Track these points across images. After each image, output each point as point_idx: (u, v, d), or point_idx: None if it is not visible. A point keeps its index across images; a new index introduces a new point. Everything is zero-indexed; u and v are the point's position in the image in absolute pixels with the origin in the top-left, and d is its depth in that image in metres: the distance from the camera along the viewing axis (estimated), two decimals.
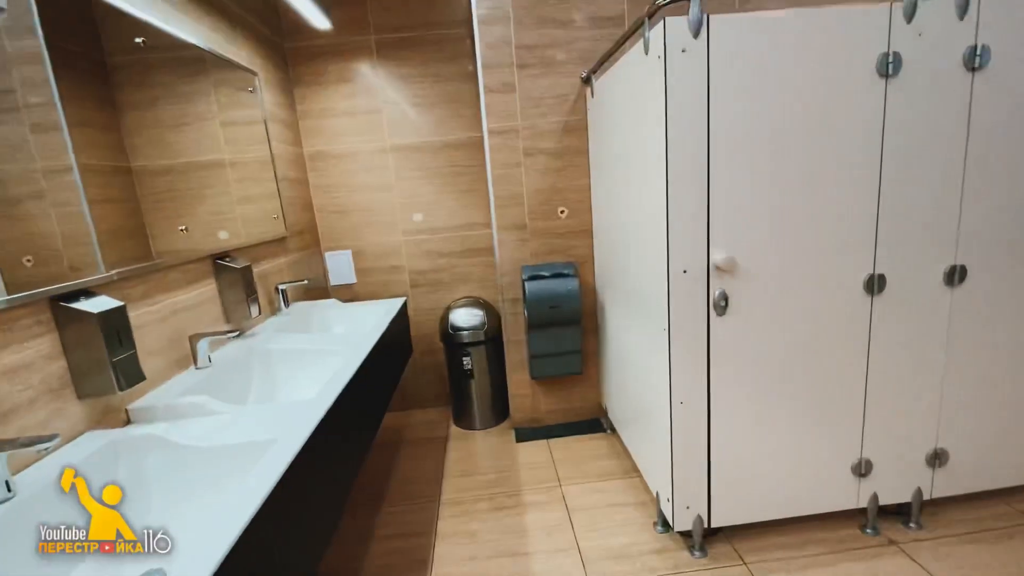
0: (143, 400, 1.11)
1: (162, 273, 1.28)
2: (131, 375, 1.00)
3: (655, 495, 1.63)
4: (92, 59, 1.23)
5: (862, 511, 1.55)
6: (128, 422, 1.07)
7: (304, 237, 2.30)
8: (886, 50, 1.24)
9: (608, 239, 1.94)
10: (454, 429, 2.46)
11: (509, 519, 1.74)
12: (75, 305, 0.94)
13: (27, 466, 0.83)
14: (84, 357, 0.96)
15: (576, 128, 2.05)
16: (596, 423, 2.34)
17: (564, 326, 2.10)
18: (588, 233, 2.15)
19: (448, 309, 2.43)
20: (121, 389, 0.98)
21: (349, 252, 2.50)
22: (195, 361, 1.29)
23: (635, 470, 1.94)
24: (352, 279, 2.53)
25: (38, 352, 0.89)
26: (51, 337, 0.92)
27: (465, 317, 2.36)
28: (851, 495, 1.51)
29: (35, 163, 0.98)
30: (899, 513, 1.60)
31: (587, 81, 1.98)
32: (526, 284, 2.05)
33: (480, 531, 1.69)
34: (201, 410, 1.06)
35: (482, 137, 2.27)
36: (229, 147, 1.84)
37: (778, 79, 1.24)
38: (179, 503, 0.90)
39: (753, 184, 1.29)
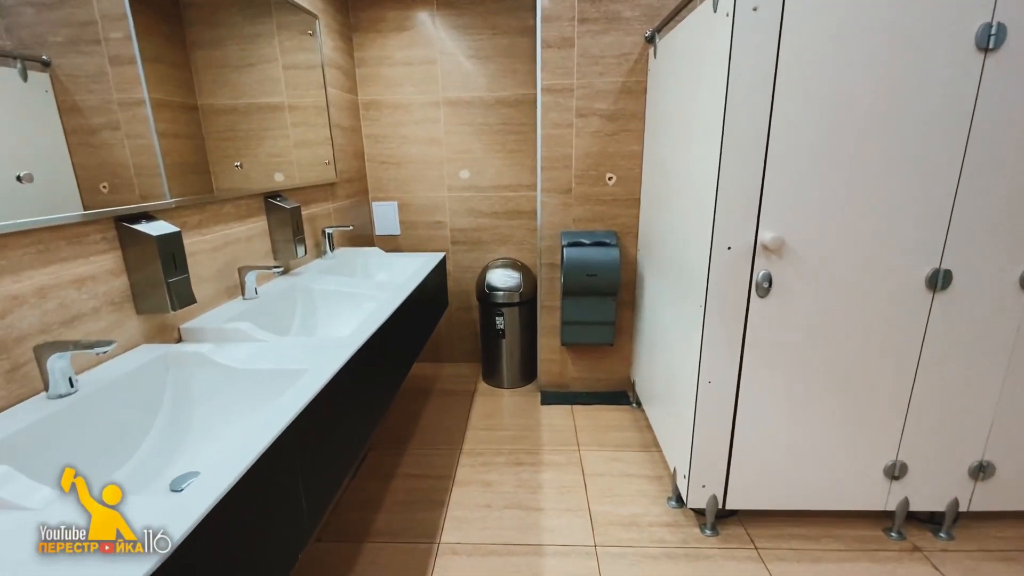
0: (194, 321, 1.19)
1: (217, 205, 1.35)
2: (183, 296, 1.08)
3: (672, 471, 1.63)
4: None
5: (889, 514, 1.50)
6: (179, 340, 1.16)
7: (353, 185, 2.36)
8: (989, 19, 1.11)
9: (654, 209, 1.88)
10: (482, 385, 2.52)
11: (525, 475, 1.79)
12: (136, 227, 1.01)
13: (88, 368, 0.92)
14: (143, 276, 1.03)
15: (634, 90, 1.96)
16: (622, 396, 2.34)
17: (600, 296, 2.08)
18: (635, 203, 2.09)
19: (486, 269, 2.45)
20: (174, 309, 1.05)
21: (395, 203, 2.55)
22: (242, 292, 1.37)
23: (655, 446, 1.94)
24: (396, 230, 2.58)
25: (103, 267, 0.97)
26: (115, 255, 1.00)
27: (502, 278, 2.38)
28: (880, 496, 1.45)
29: (112, 95, 1.04)
30: (930, 521, 1.53)
31: (650, 40, 1.87)
32: (565, 250, 2.03)
33: (496, 482, 1.75)
34: (244, 336, 1.13)
35: (535, 95, 2.22)
36: (288, 91, 1.88)
37: (858, 48, 1.13)
38: (217, 414, 0.98)
39: (815, 161, 1.20)
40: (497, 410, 2.27)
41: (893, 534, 1.49)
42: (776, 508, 1.49)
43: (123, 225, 1.00)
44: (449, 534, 1.52)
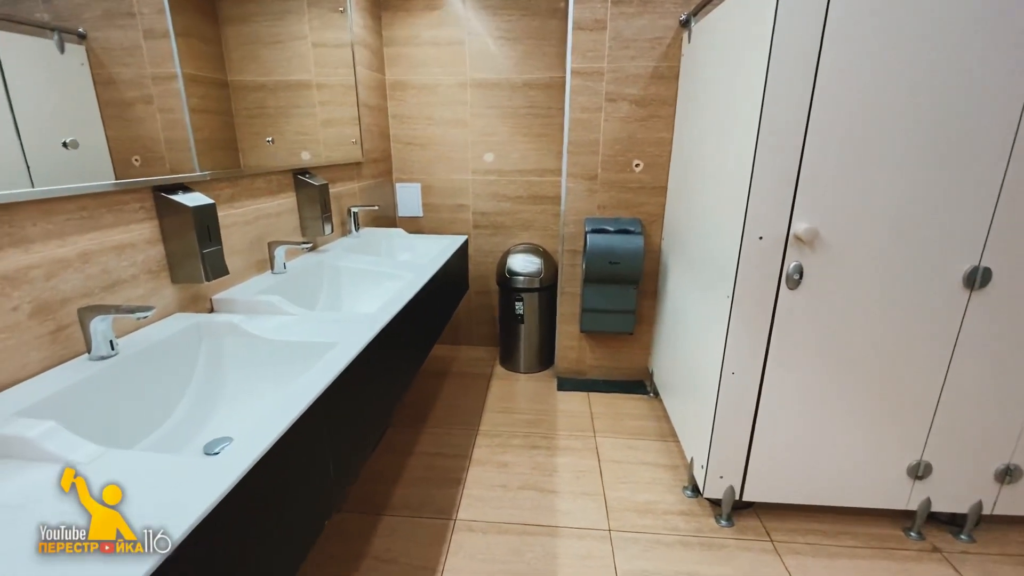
0: (225, 293, 1.22)
1: (249, 180, 1.36)
2: (217, 268, 1.10)
3: (689, 461, 1.63)
4: None
5: (909, 514, 1.48)
6: (211, 310, 1.19)
7: (378, 165, 2.36)
8: None
9: (683, 197, 1.85)
10: (499, 369, 2.54)
11: (541, 458, 1.81)
12: (173, 197, 1.03)
13: (127, 333, 0.95)
14: (178, 246, 1.05)
15: (666, 76, 1.92)
16: (639, 385, 2.33)
17: (622, 284, 2.06)
18: (661, 191, 2.06)
19: (507, 253, 2.45)
20: (207, 279, 1.08)
21: (419, 185, 2.55)
22: (272, 266, 1.39)
23: (672, 436, 1.93)
24: (419, 212, 2.59)
25: (141, 235, 0.99)
26: (152, 224, 1.02)
27: (522, 263, 2.37)
28: (902, 496, 1.43)
29: (146, 68, 1.05)
30: (951, 523, 1.51)
31: (685, 24, 1.83)
32: (588, 237, 2.02)
33: (512, 463, 1.77)
34: (273, 308, 1.16)
35: (563, 78, 2.19)
36: (317, 69, 1.89)
37: (906, 33, 1.09)
38: (247, 383, 1.00)
39: (855, 151, 1.17)
40: (513, 394, 2.29)
41: (913, 534, 1.47)
42: (794, 502, 1.48)
43: (161, 195, 1.02)
44: (465, 511, 1.54)
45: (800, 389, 1.36)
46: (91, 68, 0.91)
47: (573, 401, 2.21)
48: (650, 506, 1.57)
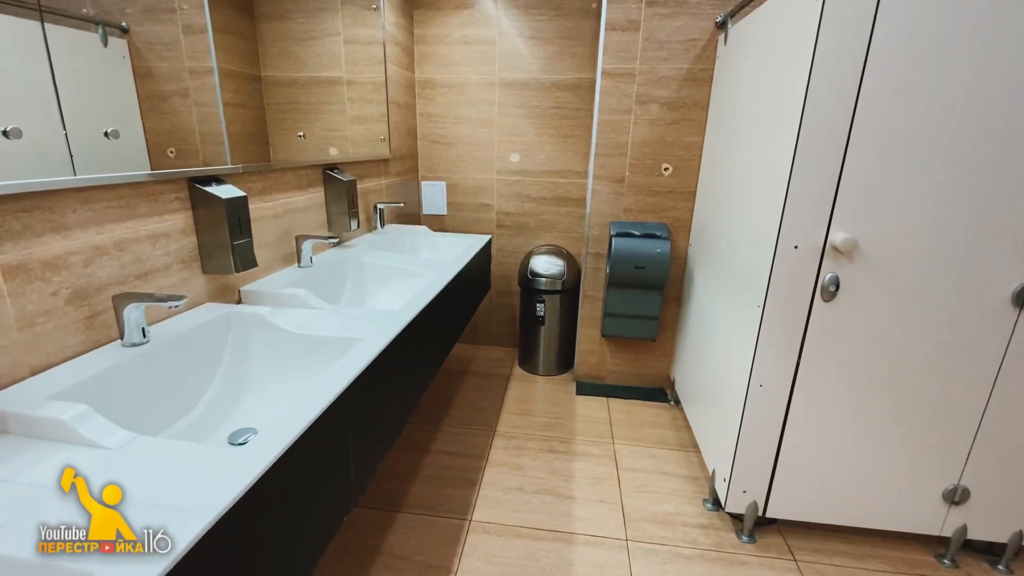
0: (253, 285, 1.23)
1: (279, 173, 1.38)
2: (246, 260, 1.11)
3: (710, 473, 1.59)
4: None
5: (943, 540, 1.41)
6: (239, 301, 1.20)
7: (405, 163, 2.37)
8: None
9: (713, 202, 1.81)
10: (517, 370, 2.53)
11: (558, 462, 1.79)
12: (208, 188, 1.04)
13: (158, 321, 0.96)
14: (210, 237, 1.07)
15: (699, 78, 1.88)
16: (660, 392, 2.29)
17: (646, 289, 2.03)
18: (690, 196, 2.02)
19: (530, 254, 2.43)
20: (237, 271, 1.09)
21: (444, 184, 2.55)
22: (298, 259, 1.41)
23: (693, 446, 1.89)
24: (443, 211, 2.60)
25: (175, 225, 1.01)
26: (186, 215, 1.04)
27: (545, 265, 2.36)
28: (936, 521, 1.37)
29: (184, 62, 1.07)
30: (988, 552, 1.44)
31: (722, 26, 1.79)
32: (613, 240, 1.99)
33: (529, 466, 1.76)
34: (299, 302, 1.16)
35: (593, 79, 2.17)
36: (348, 66, 1.90)
37: (959, 38, 1.04)
38: (272, 375, 1.01)
39: (900, 160, 1.12)
40: (532, 396, 2.27)
41: (946, 561, 1.41)
42: (820, 521, 1.43)
43: (195, 186, 1.04)
44: (481, 512, 1.53)
45: (832, 404, 1.31)
46: (132, 61, 0.93)
47: (592, 406, 2.19)
48: (669, 517, 1.54)
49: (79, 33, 0.83)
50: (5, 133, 0.70)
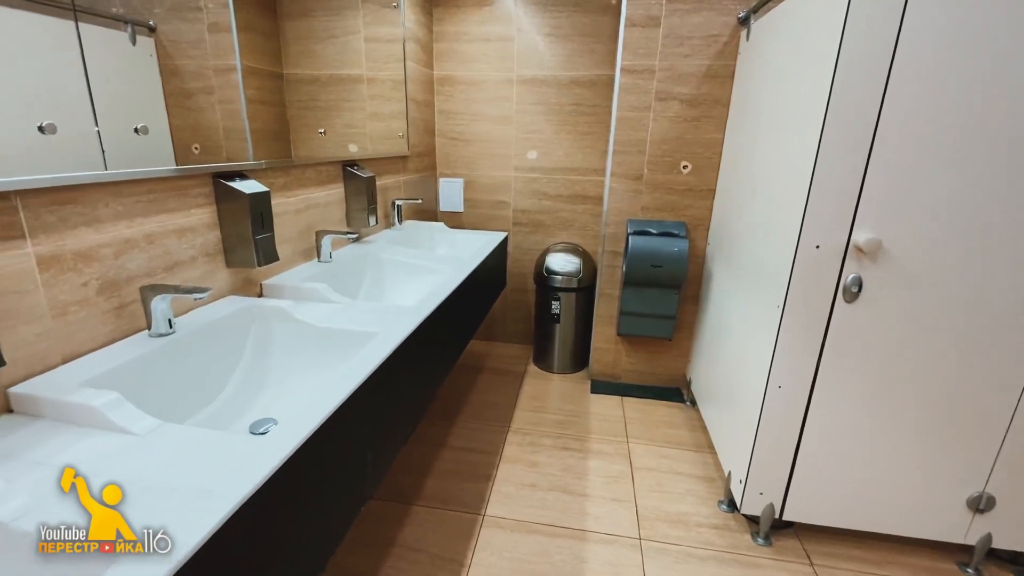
0: (275, 279, 1.25)
1: (300, 170, 1.40)
2: (268, 254, 1.13)
3: (726, 474, 1.58)
4: None
5: (967, 548, 1.38)
6: (260, 295, 1.23)
7: (423, 160, 2.39)
8: None
9: (733, 200, 1.79)
10: (532, 368, 2.53)
11: (572, 459, 1.79)
12: (232, 184, 1.06)
13: (184, 312, 0.99)
14: (233, 231, 1.09)
15: (720, 75, 1.86)
16: (675, 392, 2.27)
17: (663, 288, 2.01)
18: (709, 194, 2.00)
19: (546, 252, 2.43)
20: (259, 265, 1.11)
21: (461, 181, 2.57)
22: (318, 254, 1.43)
23: (709, 447, 1.87)
24: (460, 208, 2.61)
25: (200, 220, 1.03)
26: (211, 209, 1.06)
27: (561, 262, 2.35)
28: (959, 529, 1.34)
29: (208, 60, 1.09)
30: (1014, 562, 1.40)
31: (744, 21, 1.76)
32: (630, 238, 1.98)
33: (542, 463, 1.76)
34: (319, 296, 1.18)
35: (612, 76, 2.15)
36: (368, 63, 1.92)
37: (995, 30, 1.01)
38: (292, 367, 1.03)
39: (928, 158, 1.10)
40: (546, 393, 2.28)
41: (969, 570, 1.37)
42: (838, 526, 1.41)
43: (220, 182, 1.06)
44: (494, 507, 1.54)
45: (852, 406, 1.29)
46: (158, 59, 0.96)
47: (606, 404, 2.18)
48: (683, 517, 1.53)
49: (109, 32, 0.86)
50: (41, 128, 0.73)
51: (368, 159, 1.81)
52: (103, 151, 0.83)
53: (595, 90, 2.30)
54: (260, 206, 1.10)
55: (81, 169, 0.79)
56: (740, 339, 1.58)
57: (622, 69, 1.92)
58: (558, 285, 2.34)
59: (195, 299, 0.88)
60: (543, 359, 2.53)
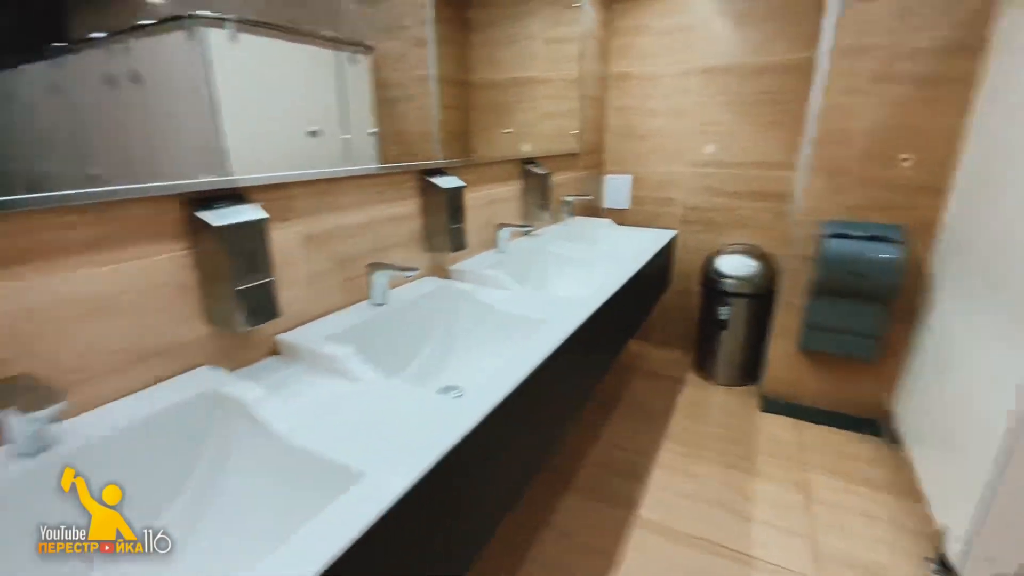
0: (459, 264, 1.39)
1: (486, 167, 1.53)
2: (459, 242, 1.27)
3: (939, 529, 1.30)
4: None
5: None
6: (446, 278, 1.37)
7: (593, 156, 2.42)
8: None
9: (982, 201, 1.46)
10: (691, 375, 2.39)
11: (736, 478, 1.65)
12: (434, 179, 1.21)
13: (394, 287, 1.16)
14: (432, 221, 1.24)
15: (963, 48, 1.52)
16: (869, 424, 1.94)
17: (866, 301, 1.73)
18: (936, 192, 1.66)
19: (717, 253, 2.27)
20: (451, 251, 1.25)
21: (630, 177, 2.53)
22: (496, 245, 1.55)
23: (912, 493, 1.56)
24: (626, 204, 2.58)
25: (409, 210, 1.20)
26: (416, 201, 1.22)
27: (734, 264, 2.18)
28: None
29: (409, 72, 1.26)
30: None
31: None
32: (828, 241, 1.74)
33: (702, 475, 1.66)
34: (497, 283, 1.28)
35: (810, 59, 1.91)
36: (543, 64, 2.01)
37: None
38: (475, 343, 1.14)
39: None
40: (707, 404, 2.14)
41: None
42: None
43: (425, 178, 1.21)
44: (648, 511, 1.51)
45: None
46: (371, 74, 1.13)
47: (779, 426, 1.96)
48: (876, 568, 1.31)
49: (339, 54, 1.04)
50: (313, 133, 0.92)
51: (540, 157, 1.89)
52: (342, 152, 1.02)
53: (787, 76, 2.06)
54: (455, 199, 1.24)
55: (327, 166, 0.98)
56: (977, 370, 1.28)
57: (831, 50, 1.69)
58: (728, 289, 2.17)
59: (407, 276, 1.03)
60: (705, 367, 2.37)
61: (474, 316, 1.17)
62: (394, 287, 1.15)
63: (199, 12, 0.77)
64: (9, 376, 0.57)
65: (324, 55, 1.00)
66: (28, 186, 0.60)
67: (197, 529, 0.64)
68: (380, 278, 1.03)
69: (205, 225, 0.71)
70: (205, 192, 0.75)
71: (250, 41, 0.85)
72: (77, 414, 0.64)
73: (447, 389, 1.03)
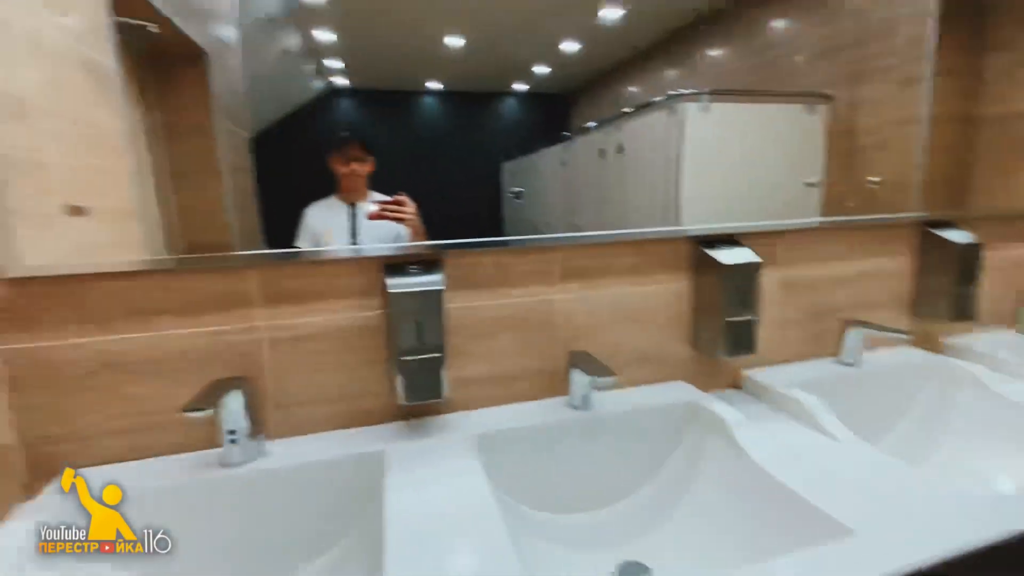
0: (962, 338, 1.10)
1: (1008, 221, 1.17)
2: (965, 310, 1.02)
3: None
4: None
5: None
6: (939, 352, 1.12)
7: None
8: None
9: None
10: None
11: None
12: (940, 232, 1.02)
13: (868, 350, 1.02)
14: (930, 281, 1.05)
15: None
16: None
17: None
18: None
19: None
20: (951, 320, 1.02)
21: None
22: (1019, 322, 1.15)
23: None
24: None
25: (897, 266, 1.06)
26: (907, 258, 1.06)
27: None
28: None
29: (889, 115, 1.09)
30: None
31: None
32: None
33: None
34: (1016, 371, 0.95)
35: None
36: None
37: None
38: (975, 439, 0.88)
39: None
40: None
41: None
42: None
43: (927, 231, 1.04)
44: None
45: None
46: (825, 123, 1.05)
47: None
48: None
49: (791, 108, 1.03)
50: (808, 185, 0.95)
51: None
52: (788, 202, 1.00)
53: None
54: (969, 258, 1.01)
55: (774, 217, 0.96)
56: None
57: None
58: None
59: (891, 338, 0.91)
60: None
61: (979, 407, 0.91)
62: (868, 350, 1.04)
63: (681, 91, 0.93)
64: (581, 351, 0.84)
65: (777, 111, 1.02)
66: (534, 230, 0.87)
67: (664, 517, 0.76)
68: (855, 336, 0.95)
69: (712, 262, 0.85)
70: (710, 236, 0.89)
71: (718, 108, 0.96)
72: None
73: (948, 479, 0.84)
